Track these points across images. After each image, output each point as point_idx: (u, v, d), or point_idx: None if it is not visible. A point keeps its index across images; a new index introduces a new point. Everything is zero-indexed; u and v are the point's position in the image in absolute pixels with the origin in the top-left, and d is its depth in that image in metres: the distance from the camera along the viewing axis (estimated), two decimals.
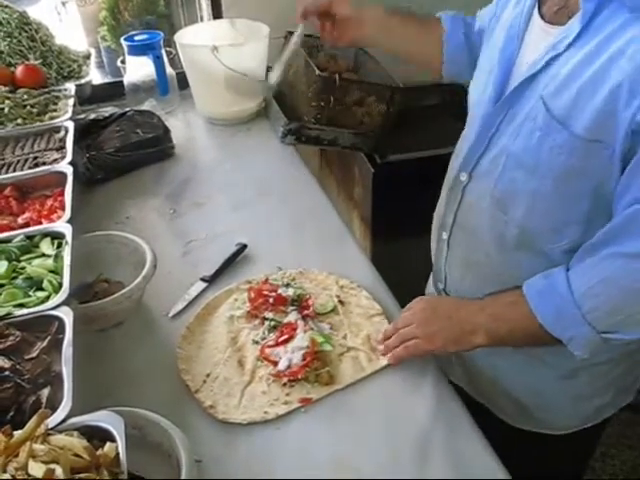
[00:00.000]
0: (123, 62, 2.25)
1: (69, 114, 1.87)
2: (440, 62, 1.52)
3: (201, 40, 2.14)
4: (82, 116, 2.05)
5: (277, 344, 1.26)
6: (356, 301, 1.39)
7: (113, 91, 2.31)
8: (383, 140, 1.97)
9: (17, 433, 0.88)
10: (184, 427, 1.03)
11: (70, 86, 2.06)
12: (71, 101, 1.96)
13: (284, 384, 1.20)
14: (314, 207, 1.75)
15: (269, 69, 2.16)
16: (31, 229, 1.40)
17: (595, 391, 1.33)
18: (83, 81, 2.14)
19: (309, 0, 1.49)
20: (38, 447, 0.85)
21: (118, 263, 1.45)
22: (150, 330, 1.37)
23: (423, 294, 1.53)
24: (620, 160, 0.98)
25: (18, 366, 1.04)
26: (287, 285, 1.41)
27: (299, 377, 1.20)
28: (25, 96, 1.96)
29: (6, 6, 2.15)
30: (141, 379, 1.23)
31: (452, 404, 1.19)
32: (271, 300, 1.36)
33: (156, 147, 1.97)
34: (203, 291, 1.45)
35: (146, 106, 2.12)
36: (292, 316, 1.32)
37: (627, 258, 0.99)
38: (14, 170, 1.66)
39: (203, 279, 1.47)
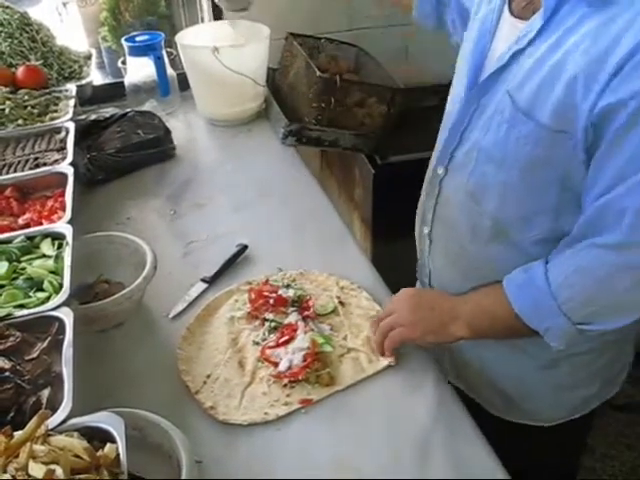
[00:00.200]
0: (124, 63, 2.26)
1: (70, 115, 1.88)
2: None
3: (202, 41, 2.14)
4: (83, 117, 2.05)
5: (277, 345, 1.26)
6: (356, 302, 1.39)
7: (114, 92, 2.31)
8: (384, 141, 1.97)
9: (17, 434, 0.88)
10: (184, 428, 1.03)
11: (71, 87, 2.06)
12: (72, 102, 1.96)
13: (284, 385, 1.20)
14: (315, 208, 1.75)
15: (269, 70, 2.18)
16: (32, 230, 1.40)
17: (578, 381, 1.35)
18: (84, 82, 2.15)
19: None
20: (38, 448, 0.85)
21: (118, 264, 1.45)
22: (150, 331, 1.37)
23: None
24: (583, 151, 1.01)
25: (18, 367, 1.04)
26: (287, 286, 1.41)
27: (299, 378, 1.20)
28: (26, 97, 1.96)
29: (7, 7, 2.16)
30: (141, 380, 1.23)
31: (452, 405, 1.18)
32: (271, 301, 1.36)
33: (157, 148, 1.97)
34: (203, 292, 1.45)
35: (147, 107, 2.12)
36: (292, 317, 1.32)
37: (602, 249, 1.02)
38: (15, 171, 1.66)
39: (203, 280, 1.47)
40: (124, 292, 1.31)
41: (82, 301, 1.31)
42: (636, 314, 1.07)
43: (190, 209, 1.77)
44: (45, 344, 1.09)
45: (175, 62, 2.34)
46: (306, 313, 1.34)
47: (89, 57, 2.31)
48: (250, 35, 2.13)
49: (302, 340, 1.25)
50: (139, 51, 2.17)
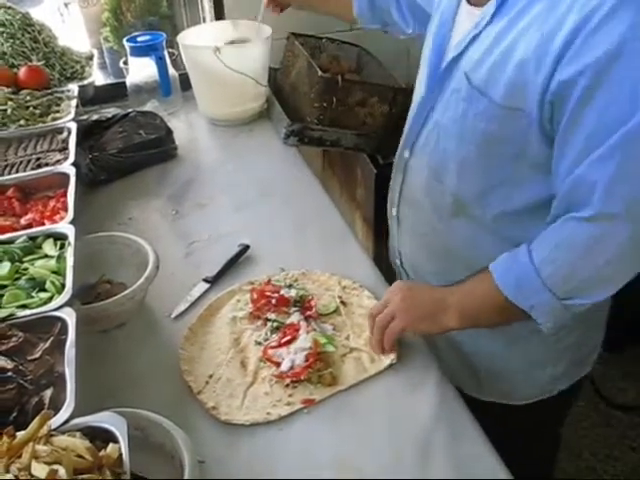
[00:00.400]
0: (126, 63, 2.26)
1: (72, 115, 1.88)
2: (353, 15, 1.73)
3: (203, 41, 2.14)
4: (85, 117, 2.05)
5: (280, 345, 1.26)
6: (358, 301, 1.39)
7: (116, 92, 2.31)
8: (386, 141, 1.97)
9: (20, 434, 0.88)
10: (187, 428, 1.03)
11: (73, 87, 2.06)
12: (74, 102, 1.96)
13: (287, 385, 1.20)
14: (317, 208, 1.75)
15: (271, 70, 2.17)
16: (34, 230, 1.40)
17: (547, 359, 1.37)
18: (86, 82, 2.15)
19: None
20: (41, 448, 0.85)
21: (121, 264, 1.45)
22: (153, 331, 1.37)
23: None
24: (538, 127, 1.06)
25: (21, 367, 1.04)
26: (290, 286, 1.41)
27: (302, 378, 1.20)
28: (28, 97, 1.96)
29: (9, 7, 2.16)
30: (144, 380, 1.24)
31: (455, 404, 1.18)
32: (274, 301, 1.36)
33: (159, 148, 1.97)
34: (205, 292, 1.45)
35: (149, 107, 2.12)
36: (295, 317, 1.32)
37: (579, 222, 1.05)
38: (17, 171, 1.66)
39: (205, 280, 1.47)
40: (126, 292, 1.31)
41: (84, 301, 1.31)
42: (619, 284, 1.09)
43: (192, 209, 1.77)
44: (47, 344, 1.09)
45: (177, 62, 2.33)
46: (308, 313, 1.34)
47: (91, 57, 2.31)
48: (252, 35, 2.13)
49: (304, 340, 1.25)
50: (141, 51, 2.17)
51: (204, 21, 2.53)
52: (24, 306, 1.18)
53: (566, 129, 1.02)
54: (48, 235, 1.37)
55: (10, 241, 1.35)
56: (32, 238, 1.36)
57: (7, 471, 0.83)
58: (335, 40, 2.19)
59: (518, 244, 1.15)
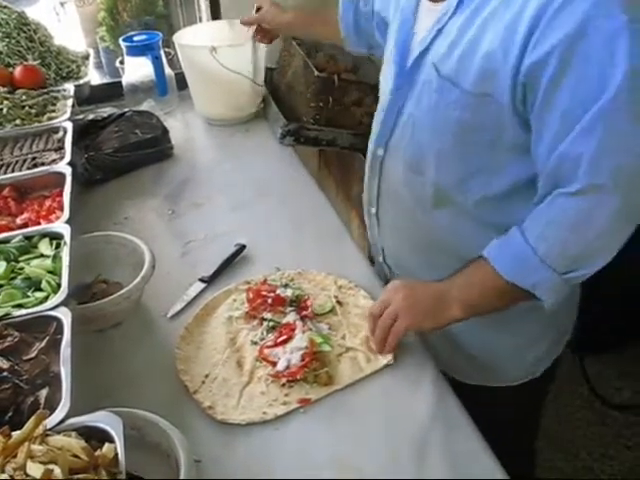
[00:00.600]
0: (122, 63, 2.26)
1: (68, 115, 1.87)
2: (340, 38, 1.73)
3: (200, 41, 2.14)
4: (81, 117, 2.05)
5: (276, 345, 1.26)
6: (354, 301, 1.39)
7: (112, 92, 2.31)
8: None
9: (15, 434, 0.87)
10: (183, 427, 1.03)
11: (69, 87, 2.06)
12: (70, 102, 1.96)
13: (283, 384, 1.20)
14: (313, 208, 1.75)
15: (267, 70, 2.17)
16: (30, 229, 1.40)
17: (533, 340, 1.41)
18: (82, 82, 2.14)
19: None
20: (36, 448, 0.85)
21: (117, 264, 1.45)
22: (149, 331, 1.37)
23: None
24: (512, 111, 1.08)
25: (16, 367, 1.04)
26: (286, 286, 1.41)
27: (298, 377, 1.20)
28: (24, 97, 1.96)
29: (4, 6, 2.15)
30: (140, 380, 1.23)
31: (451, 403, 1.19)
32: (270, 301, 1.36)
33: (155, 148, 1.97)
34: (202, 292, 1.45)
35: (145, 107, 2.12)
36: (291, 317, 1.32)
37: (568, 197, 1.07)
38: (13, 170, 1.66)
39: (202, 280, 1.47)
40: (122, 292, 1.31)
41: (80, 301, 1.31)
42: (613, 252, 1.10)
43: (188, 209, 1.77)
44: (43, 344, 1.09)
45: (173, 62, 2.34)
46: (304, 313, 1.34)
47: (87, 57, 2.30)
48: (248, 35, 2.13)
49: (300, 339, 1.25)
50: (137, 51, 2.17)
51: (200, 21, 2.54)
52: (20, 306, 1.18)
53: (541, 109, 1.04)
54: (44, 235, 1.37)
55: (6, 240, 1.35)
56: (28, 237, 1.36)
57: (2, 471, 0.83)
58: None
59: (500, 229, 1.17)
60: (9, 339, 1.08)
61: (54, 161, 1.67)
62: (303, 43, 2.08)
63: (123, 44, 2.19)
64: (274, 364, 1.23)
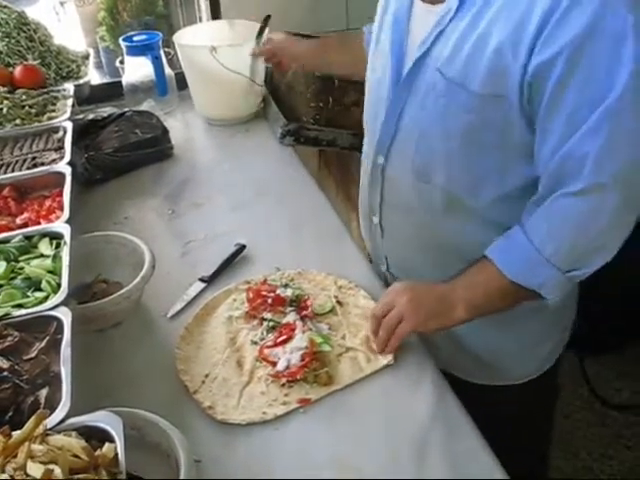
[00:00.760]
0: (122, 62, 2.26)
1: (67, 114, 1.87)
2: (355, 70, 1.60)
3: (200, 41, 2.14)
4: (81, 116, 2.05)
5: (276, 345, 1.26)
6: (354, 301, 1.39)
7: (112, 91, 2.31)
8: None
9: (15, 433, 0.87)
10: (183, 427, 1.03)
11: (69, 86, 2.06)
12: (70, 101, 1.96)
13: (283, 384, 1.20)
14: (312, 208, 1.75)
15: (267, 70, 2.17)
16: (30, 229, 1.40)
17: (538, 339, 1.41)
18: (82, 81, 2.14)
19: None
20: (37, 447, 0.85)
21: (117, 263, 1.45)
22: (149, 330, 1.37)
23: None
24: (519, 111, 1.08)
25: (17, 366, 1.04)
26: (286, 285, 1.41)
27: (298, 377, 1.20)
28: (24, 96, 1.96)
29: (4, 6, 2.15)
30: (140, 379, 1.23)
31: (451, 403, 1.18)
32: (270, 300, 1.36)
33: (155, 147, 1.97)
34: (202, 291, 1.45)
35: (145, 106, 2.12)
36: (291, 317, 1.32)
37: (571, 197, 1.08)
38: (12, 170, 1.66)
39: (202, 279, 1.47)
40: (122, 292, 1.31)
41: (80, 301, 1.31)
42: (614, 250, 1.12)
43: (188, 209, 1.77)
44: (43, 344, 1.09)
45: (173, 62, 2.33)
46: (304, 313, 1.34)
47: (87, 57, 2.30)
48: (248, 35, 2.13)
49: (300, 339, 1.25)
50: (137, 51, 2.17)
51: (200, 20, 2.53)
52: (20, 305, 1.18)
53: (547, 110, 1.05)
54: (44, 234, 1.37)
55: (6, 240, 1.35)
56: (28, 237, 1.36)
57: (3, 471, 0.82)
58: None
59: (509, 228, 1.18)
60: (9, 339, 1.08)
61: (54, 161, 1.67)
62: None
63: (123, 44, 2.19)
64: (274, 364, 1.23)
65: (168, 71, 2.24)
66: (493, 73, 1.07)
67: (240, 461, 1.09)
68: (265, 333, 1.30)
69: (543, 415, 1.62)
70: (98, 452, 0.88)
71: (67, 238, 1.32)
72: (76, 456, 0.85)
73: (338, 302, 1.38)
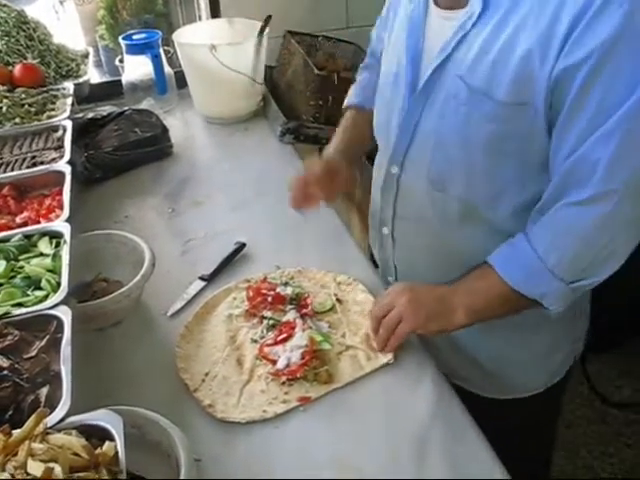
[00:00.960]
0: (121, 61, 2.26)
1: (67, 113, 1.87)
2: None
3: (199, 39, 2.14)
4: (80, 115, 2.05)
5: (276, 343, 1.26)
6: (353, 297, 1.39)
7: (111, 90, 2.31)
8: None
9: (16, 432, 0.87)
10: (183, 426, 1.03)
11: (68, 85, 2.06)
12: (69, 100, 1.96)
13: (283, 383, 1.20)
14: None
15: (267, 68, 2.17)
16: (29, 228, 1.40)
17: (548, 351, 1.38)
18: (81, 80, 2.14)
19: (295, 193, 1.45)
20: (37, 446, 0.85)
21: (117, 262, 1.45)
22: (149, 329, 1.37)
23: None
24: (544, 118, 1.05)
25: (17, 365, 1.04)
26: (286, 284, 1.41)
27: (298, 376, 1.20)
28: (23, 95, 1.96)
29: (4, 5, 2.15)
30: (140, 378, 1.23)
31: (451, 402, 1.18)
32: (270, 299, 1.36)
33: (154, 146, 1.97)
34: (202, 290, 1.45)
35: (144, 105, 2.12)
36: (291, 315, 1.32)
37: (576, 206, 1.06)
38: (12, 169, 1.66)
39: (202, 278, 1.47)
40: (122, 290, 1.31)
41: (80, 299, 1.31)
42: (621, 261, 1.09)
43: (188, 207, 1.77)
44: (43, 342, 1.09)
45: (172, 60, 2.34)
46: (304, 311, 1.34)
47: (86, 55, 2.30)
48: (248, 33, 2.13)
49: (300, 338, 1.25)
50: (136, 49, 2.17)
51: (200, 19, 2.53)
52: (20, 304, 1.18)
53: (568, 113, 1.02)
54: (44, 233, 1.36)
55: (5, 239, 1.35)
56: (27, 236, 1.36)
57: (3, 469, 0.83)
58: (331, 38, 2.19)
59: None
60: (9, 338, 1.08)
61: (54, 160, 1.67)
62: (303, 41, 2.09)
63: (123, 42, 2.19)
64: (274, 362, 1.23)
65: (168, 70, 2.24)
66: (519, 80, 1.04)
67: (240, 460, 1.09)
68: (265, 331, 1.30)
69: (549, 425, 1.61)
70: (98, 451, 0.88)
71: (67, 237, 1.32)
72: (76, 454, 0.85)
73: (338, 300, 1.38)
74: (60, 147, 1.73)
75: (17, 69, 2.03)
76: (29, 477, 0.81)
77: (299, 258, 1.51)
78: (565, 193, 1.07)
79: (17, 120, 1.86)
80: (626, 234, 1.07)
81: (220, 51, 2.00)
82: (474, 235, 1.23)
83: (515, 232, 1.17)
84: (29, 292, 1.22)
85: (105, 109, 2.11)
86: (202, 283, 1.46)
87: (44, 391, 1.01)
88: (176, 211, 1.75)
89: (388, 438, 1.11)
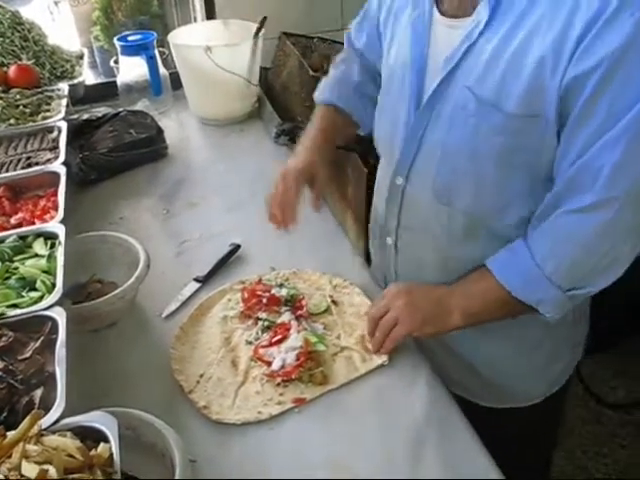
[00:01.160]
0: (116, 62, 2.25)
1: (62, 114, 1.87)
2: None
3: (194, 40, 2.14)
4: (75, 116, 2.04)
5: (271, 344, 1.26)
6: (349, 300, 1.39)
7: (106, 91, 2.31)
8: None
9: (10, 434, 0.87)
10: (178, 427, 1.03)
11: (63, 86, 2.06)
12: (64, 101, 1.96)
13: (278, 384, 1.20)
14: (307, 207, 1.74)
15: (262, 70, 2.17)
16: (24, 229, 1.40)
17: (550, 359, 1.38)
18: (76, 81, 2.14)
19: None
20: (31, 448, 0.85)
21: (111, 263, 1.45)
22: (144, 330, 1.37)
23: None
24: (554, 129, 1.03)
25: (11, 366, 1.04)
26: (281, 285, 1.41)
27: (293, 377, 1.20)
28: (18, 96, 1.96)
29: None
30: (135, 379, 1.23)
31: (446, 403, 1.19)
32: (264, 300, 1.36)
33: (149, 147, 1.97)
34: (197, 291, 1.45)
35: (139, 106, 2.12)
36: (285, 316, 1.32)
37: (576, 214, 1.04)
38: (7, 170, 1.66)
39: (197, 279, 1.47)
40: (117, 292, 1.31)
41: (75, 301, 1.31)
42: (621, 270, 1.09)
43: (183, 208, 1.77)
44: (38, 344, 1.09)
45: (167, 61, 2.33)
46: (299, 312, 1.34)
47: (81, 56, 2.30)
48: (243, 34, 2.13)
49: (295, 339, 1.25)
50: (131, 50, 2.17)
51: (195, 20, 2.53)
52: (14, 305, 1.18)
53: (576, 121, 1.01)
54: (38, 234, 1.36)
55: (0, 240, 1.34)
56: (22, 237, 1.36)
57: None
58: (326, 40, 2.19)
59: None
60: (4, 339, 1.08)
61: (49, 161, 1.67)
62: (298, 43, 2.09)
63: (117, 44, 2.18)
64: (269, 364, 1.23)
65: (163, 71, 2.24)
66: (530, 91, 1.01)
67: (235, 461, 1.09)
68: (260, 333, 1.30)
69: (548, 434, 1.60)
70: (93, 452, 0.88)
71: (62, 238, 1.32)
72: (71, 456, 0.85)
73: (333, 301, 1.38)
74: (55, 148, 1.73)
75: (12, 70, 2.03)
76: (23, 479, 0.81)
77: (294, 260, 1.51)
78: (566, 200, 1.05)
79: (12, 121, 1.86)
80: (628, 242, 1.06)
81: (215, 52, 2.00)
82: (479, 246, 1.21)
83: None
84: (24, 293, 1.21)
85: (100, 110, 2.11)
86: (197, 284, 1.46)
87: (39, 392, 1.01)
88: (171, 212, 1.75)
89: (383, 439, 1.12)
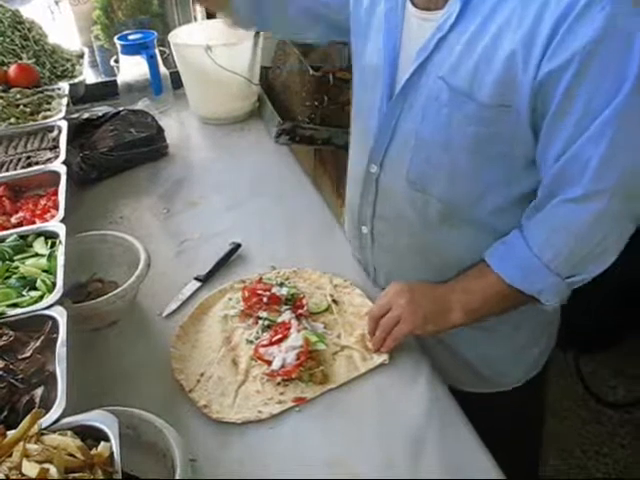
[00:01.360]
0: (117, 61, 2.25)
1: (62, 113, 1.87)
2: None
3: (195, 40, 2.14)
4: (75, 115, 2.05)
5: (271, 343, 1.26)
6: (350, 300, 1.39)
7: (106, 90, 2.31)
8: None
9: (11, 433, 0.87)
10: (178, 426, 1.03)
11: (63, 85, 2.05)
12: (64, 100, 1.96)
13: (278, 383, 1.20)
14: (308, 206, 1.75)
15: (262, 69, 2.17)
16: (24, 229, 1.39)
17: (535, 339, 1.42)
18: (76, 80, 2.14)
19: None
20: (32, 447, 0.85)
21: (112, 263, 1.45)
22: (144, 330, 1.37)
23: None
24: (527, 121, 1.06)
25: (11, 366, 1.04)
26: (281, 284, 1.41)
27: (293, 376, 1.20)
28: (18, 95, 1.95)
29: None
30: (135, 379, 1.23)
31: (446, 403, 1.19)
32: (265, 299, 1.36)
33: (150, 146, 1.97)
34: (197, 291, 1.45)
35: (140, 105, 2.12)
36: (286, 315, 1.32)
37: (571, 203, 1.07)
38: (7, 169, 1.66)
39: (197, 279, 1.47)
40: (117, 291, 1.31)
41: (75, 300, 1.31)
42: (614, 256, 1.11)
43: (183, 208, 1.77)
44: (38, 343, 1.09)
45: (168, 61, 2.33)
46: (299, 311, 1.34)
47: (82, 56, 2.30)
48: (243, 34, 2.13)
49: (295, 338, 1.25)
50: (132, 50, 2.17)
51: (195, 20, 2.54)
52: (15, 305, 1.17)
53: (554, 116, 1.03)
54: (39, 234, 1.36)
55: (0, 240, 1.34)
56: (23, 237, 1.35)
57: None
58: None
59: (507, 234, 1.17)
60: (4, 338, 1.08)
61: (49, 160, 1.66)
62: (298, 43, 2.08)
63: (118, 43, 2.18)
64: (269, 363, 1.23)
65: (163, 70, 2.24)
66: (502, 82, 1.03)
67: (235, 460, 1.09)
68: (260, 332, 1.30)
69: (535, 418, 1.63)
70: (93, 451, 0.87)
71: (62, 237, 1.32)
72: (71, 455, 0.85)
73: (334, 301, 1.38)
74: (55, 147, 1.73)
75: (12, 69, 2.03)
76: (24, 478, 0.81)
77: (294, 258, 1.51)
78: (559, 190, 1.08)
79: (12, 120, 1.86)
80: (616, 234, 1.09)
81: (216, 52, 2.00)
82: (455, 233, 1.24)
83: (499, 229, 1.19)
84: (24, 292, 1.21)
85: (100, 109, 2.12)
86: (197, 284, 1.46)
87: (39, 392, 1.01)
88: (171, 211, 1.75)
89: (383, 438, 1.12)
